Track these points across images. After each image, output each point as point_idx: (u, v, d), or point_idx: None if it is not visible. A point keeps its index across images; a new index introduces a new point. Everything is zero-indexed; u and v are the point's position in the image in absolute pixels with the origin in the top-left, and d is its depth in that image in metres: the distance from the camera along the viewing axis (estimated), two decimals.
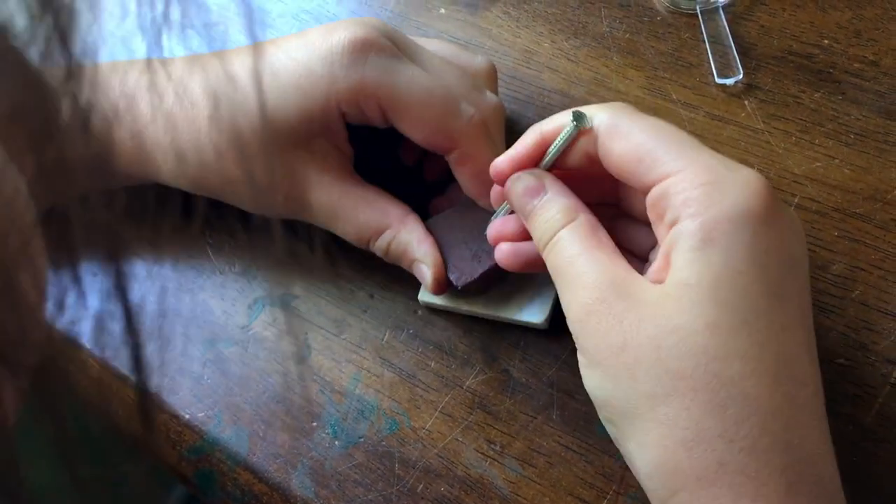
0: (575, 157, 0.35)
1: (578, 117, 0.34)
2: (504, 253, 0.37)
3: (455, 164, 0.40)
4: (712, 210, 0.30)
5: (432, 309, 0.43)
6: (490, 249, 0.39)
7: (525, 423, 0.39)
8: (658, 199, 0.32)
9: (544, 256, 0.34)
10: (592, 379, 0.32)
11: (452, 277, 0.40)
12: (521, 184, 0.36)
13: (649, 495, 0.31)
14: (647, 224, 0.33)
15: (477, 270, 0.39)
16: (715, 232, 0.30)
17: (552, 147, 0.35)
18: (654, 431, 0.29)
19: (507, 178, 0.36)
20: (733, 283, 0.29)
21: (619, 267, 0.32)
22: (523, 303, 0.41)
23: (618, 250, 0.33)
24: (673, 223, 0.31)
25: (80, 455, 0.21)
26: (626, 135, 0.33)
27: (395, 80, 0.38)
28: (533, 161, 0.36)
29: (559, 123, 0.35)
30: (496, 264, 0.39)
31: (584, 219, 0.34)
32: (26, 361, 0.20)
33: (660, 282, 0.31)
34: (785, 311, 0.30)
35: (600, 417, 0.33)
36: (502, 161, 0.36)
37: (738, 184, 0.30)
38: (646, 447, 0.30)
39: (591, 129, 0.34)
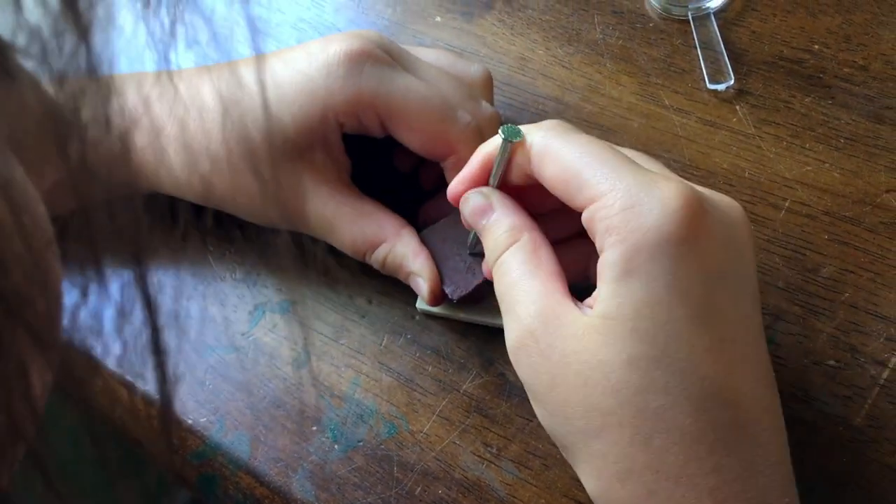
0: (517, 176, 0.36)
1: (509, 133, 0.34)
2: None
3: (451, 170, 0.41)
4: (631, 238, 0.30)
5: (430, 315, 0.43)
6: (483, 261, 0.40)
7: (521, 426, 0.40)
8: (588, 223, 0.32)
9: (493, 278, 0.35)
10: (536, 411, 0.33)
11: (448, 290, 0.40)
12: (469, 204, 0.36)
13: None
14: None
15: (472, 283, 0.40)
16: (634, 263, 0.30)
17: (494, 166, 0.36)
18: (591, 464, 0.31)
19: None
20: (653, 314, 0.29)
21: (552, 296, 0.32)
22: None
23: (557, 271, 0.33)
24: (601, 250, 0.31)
25: (107, 436, 0.22)
26: (555, 156, 0.33)
27: (391, 90, 0.39)
28: (482, 181, 0.37)
29: (496, 142, 0.35)
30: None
31: (528, 238, 0.34)
32: (54, 341, 0.21)
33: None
34: (711, 330, 0.30)
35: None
36: (454, 185, 0.37)
37: (656, 206, 0.30)
38: (587, 477, 0.31)
39: (524, 142, 0.34)
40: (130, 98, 0.39)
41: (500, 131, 0.34)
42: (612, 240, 0.30)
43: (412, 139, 0.40)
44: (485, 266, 0.39)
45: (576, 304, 0.32)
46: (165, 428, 0.27)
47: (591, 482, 0.31)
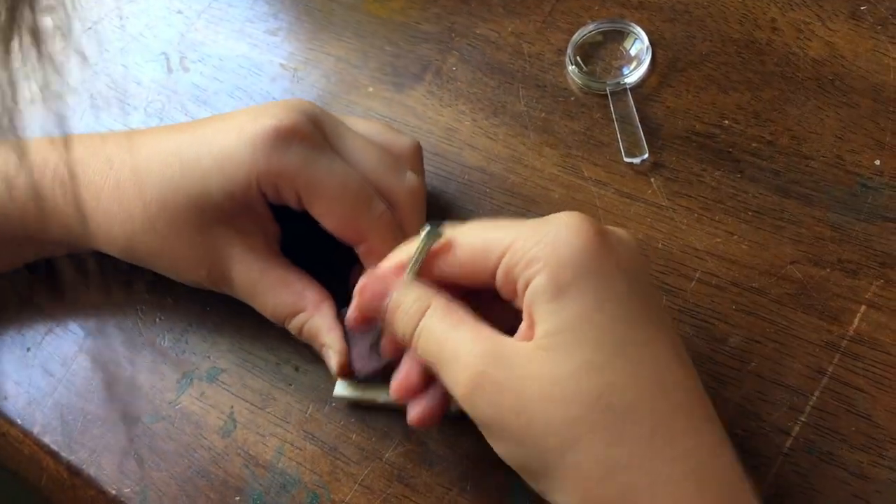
0: (431, 274, 0.37)
1: (432, 231, 0.36)
2: (418, 414, 0.38)
3: (363, 256, 0.42)
4: (553, 260, 0.33)
5: (349, 402, 0.44)
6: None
7: (441, 496, 0.40)
8: (506, 275, 0.34)
9: (415, 349, 0.36)
10: (500, 448, 0.34)
11: (355, 367, 0.41)
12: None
13: None
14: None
15: (377, 364, 0.41)
16: (563, 280, 0.32)
17: (411, 262, 0.37)
18: (570, 478, 0.32)
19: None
20: (593, 321, 0.32)
21: (487, 336, 0.34)
22: None
23: (480, 319, 0.35)
24: (527, 286, 0.33)
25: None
26: (460, 241, 0.36)
27: (312, 171, 0.40)
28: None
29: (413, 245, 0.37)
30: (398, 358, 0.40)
31: (438, 302, 0.36)
32: None
33: (528, 339, 0.33)
34: (643, 325, 0.33)
35: (522, 478, 0.34)
36: (364, 282, 0.38)
37: (563, 230, 0.33)
38: (569, 494, 0.32)
39: (447, 241, 0.36)
40: (49, 165, 0.40)
41: (422, 229, 0.36)
42: (536, 268, 0.33)
43: (326, 220, 0.42)
44: (385, 345, 0.39)
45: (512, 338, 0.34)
46: None
47: (574, 497, 0.32)
